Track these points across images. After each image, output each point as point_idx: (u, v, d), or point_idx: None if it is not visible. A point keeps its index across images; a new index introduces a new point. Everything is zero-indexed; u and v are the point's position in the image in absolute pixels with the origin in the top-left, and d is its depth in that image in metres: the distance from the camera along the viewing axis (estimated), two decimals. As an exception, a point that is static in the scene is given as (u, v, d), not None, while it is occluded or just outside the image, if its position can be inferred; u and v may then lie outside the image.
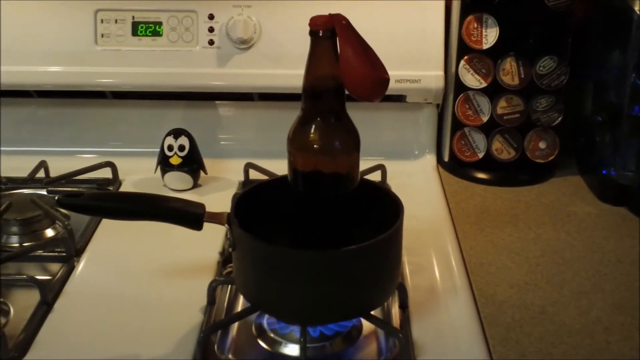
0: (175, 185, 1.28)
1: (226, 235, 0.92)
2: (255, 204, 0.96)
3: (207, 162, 1.31)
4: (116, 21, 1.34)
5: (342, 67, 0.85)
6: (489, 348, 0.92)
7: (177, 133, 1.28)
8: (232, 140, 1.42)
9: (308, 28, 0.85)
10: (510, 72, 1.31)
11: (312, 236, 0.93)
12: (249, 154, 1.34)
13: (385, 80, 0.87)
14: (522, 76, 1.31)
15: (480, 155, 1.37)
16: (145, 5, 1.34)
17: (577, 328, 0.96)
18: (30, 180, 1.28)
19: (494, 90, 1.33)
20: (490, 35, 1.30)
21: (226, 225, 0.91)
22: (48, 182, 1.28)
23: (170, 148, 1.27)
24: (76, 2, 1.34)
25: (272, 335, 0.94)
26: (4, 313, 0.98)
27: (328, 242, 0.91)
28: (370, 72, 0.85)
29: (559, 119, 1.34)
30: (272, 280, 0.89)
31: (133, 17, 1.34)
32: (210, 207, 0.93)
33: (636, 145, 1.24)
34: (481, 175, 1.36)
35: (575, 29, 1.30)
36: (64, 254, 1.10)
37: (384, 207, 0.95)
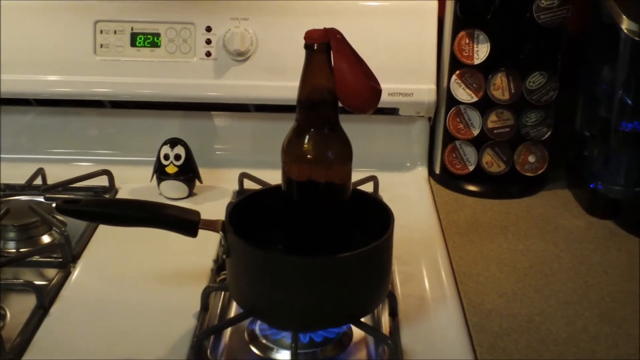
0: (170, 194, 1.30)
1: (220, 242, 0.94)
2: (249, 212, 0.98)
3: (202, 171, 1.32)
4: (115, 32, 1.36)
5: (336, 79, 0.87)
6: (476, 355, 0.94)
7: (173, 142, 1.30)
8: (228, 150, 1.44)
9: (303, 41, 0.87)
10: (500, 87, 1.34)
11: (304, 245, 0.95)
12: (244, 164, 1.35)
13: (378, 91, 0.89)
14: (513, 91, 1.34)
15: (471, 168, 1.39)
16: (144, 16, 1.36)
17: (563, 337, 0.98)
18: (27, 187, 1.29)
19: (484, 105, 1.35)
20: (481, 51, 1.33)
21: (221, 232, 0.93)
22: (45, 189, 1.29)
23: (166, 157, 1.29)
24: (76, 13, 1.36)
25: (264, 341, 0.96)
26: (1, 317, 0.99)
27: (320, 250, 0.93)
28: (363, 84, 0.87)
29: (548, 133, 1.36)
30: (265, 286, 0.90)
31: (132, 29, 1.36)
32: (205, 216, 0.94)
33: (624, 159, 1.26)
34: (472, 188, 1.38)
35: (566, 45, 1.33)
36: (61, 259, 1.11)
37: (376, 217, 0.97)
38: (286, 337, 0.94)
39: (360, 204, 0.98)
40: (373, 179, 1.30)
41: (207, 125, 1.43)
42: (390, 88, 1.30)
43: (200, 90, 1.36)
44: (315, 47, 0.87)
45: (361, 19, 1.34)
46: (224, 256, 0.94)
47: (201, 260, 1.10)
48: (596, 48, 1.32)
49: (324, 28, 0.87)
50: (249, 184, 1.29)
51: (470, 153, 1.38)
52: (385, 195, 1.26)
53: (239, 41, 1.33)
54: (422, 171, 1.44)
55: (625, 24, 1.18)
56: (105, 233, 1.18)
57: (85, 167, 1.36)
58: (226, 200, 1.28)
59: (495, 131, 1.36)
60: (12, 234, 1.17)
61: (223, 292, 1.05)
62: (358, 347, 0.97)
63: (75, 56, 1.36)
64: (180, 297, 1.03)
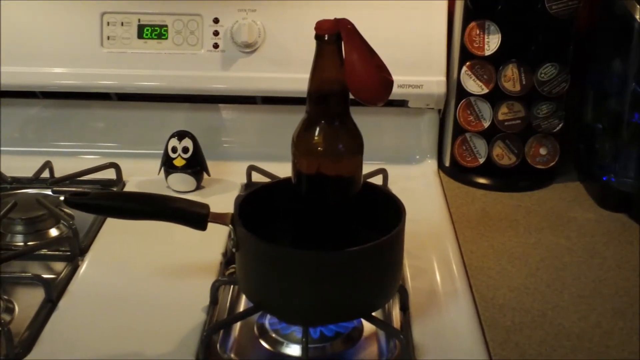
0: (178, 187, 1.29)
1: (229, 235, 0.93)
2: (258, 205, 0.97)
3: (210, 164, 1.31)
4: (122, 24, 1.35)
5: (347, 71, 0.86)
6: (489, 350, 0.93)
7: (181, 135, 1.29)
8: (235, 143, 1.43)
9: (312, 32, 0.86)
10: (511, 78, 1.33)
11: (314, 238, 0.94)
12: (252, 156, 1.35)
13: (390, 82, 0.88)
14: (524, 83, 1.33)
15: (481, 160, 1.38)
16: (151, 8, 1.35)
17: (576, 332, 0.97)
18: (35, 180, 1.29)
19: (495, 97, 1.34)
20: (492, 42, 1.32)
21: (230, 225, 0.92)
22: (53, 182, 1.29)
23: (174, 150, 1.28)
24: (83, 5, 1.35)
25: (273, 335, 0.95)
26: (9, 310, 0.99)
27: (331, 244, 0.92)
28: (374, 76, 0.86)
29: (560, 125, 1.35)
30: (274, 280, 0.90)
31: (139, 20, 1.35)
32: (213, 209, 0.94)
33: (636, 152, 1.25)
34: (482, 181, 1.37)
35: (578, 37, 1.32)
36: (68, 253, 1.11)
37: (386, 210, 0.96)
38: (296, 331, 0.94)
39: (370, 196, 0.97)
40: (382, 171, 1.29)
41: (215, 117, 1.43)
42: (400, 80, 1.27)
43: (207, 82, 1.36)
44: (326, 38, 0.86)
45: (370, 10, 1.33)
46: (233, 250, 0.93)
47: (210, 253, 1.10)
48: (606, 40, 1.31)
49: (335, 18, 0.86)
50: (257, 177, 1.29)
51: (480, 145, 1.37)
52: (395, 188, 1.25)
53: (246, 33, 1.32)
54: (431, 164, 1.43)
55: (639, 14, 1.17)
56: (113, 226, 1.18)
57: (93, 160, 1.36)
58: (234, 193, 1.28)
59: (506, 123, 1.35)
60: (19, 228, 1.17)
61: (232, 286, 1.04)
62: (368, 341, 0.96)
63: (82, 48, 1.35)
64: (189, 291, 1.02)
